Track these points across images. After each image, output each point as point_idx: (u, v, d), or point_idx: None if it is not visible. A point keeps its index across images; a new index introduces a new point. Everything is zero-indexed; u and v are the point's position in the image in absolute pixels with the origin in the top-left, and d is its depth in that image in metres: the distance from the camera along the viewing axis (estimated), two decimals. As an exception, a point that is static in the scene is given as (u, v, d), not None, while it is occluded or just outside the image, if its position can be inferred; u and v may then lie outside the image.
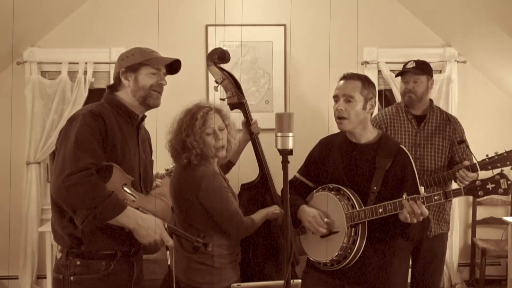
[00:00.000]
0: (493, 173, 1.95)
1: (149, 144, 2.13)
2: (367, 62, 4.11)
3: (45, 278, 3.87)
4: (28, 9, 3.48)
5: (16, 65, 3.93)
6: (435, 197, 1.95)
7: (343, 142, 2.25)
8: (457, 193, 1.95)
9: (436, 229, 2.87)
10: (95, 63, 3.97)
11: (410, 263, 2.87)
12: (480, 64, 4.16)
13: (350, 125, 2.16)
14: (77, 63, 3.94)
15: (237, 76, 3.82)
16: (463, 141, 2.77)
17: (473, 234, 4.22)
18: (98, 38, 4.00)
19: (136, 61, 1.91)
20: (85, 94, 3.94)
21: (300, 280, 1.78)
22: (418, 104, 2.91)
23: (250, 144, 2.66)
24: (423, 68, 2.90)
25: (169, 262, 1.88)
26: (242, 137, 2.67)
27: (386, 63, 4.08)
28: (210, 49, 2.75)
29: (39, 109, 3.92)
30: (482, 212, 4.24)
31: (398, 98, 3.81)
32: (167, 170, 2.67)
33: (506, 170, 2.59)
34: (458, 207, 4.16)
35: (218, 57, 2.62)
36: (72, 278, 1.79)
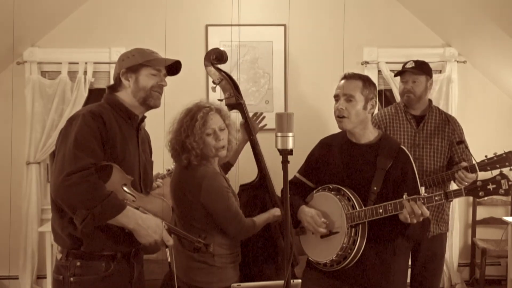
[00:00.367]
0: (492, 174, 1.95)
1: (149, 145, 2.13)
2: (367, 62, 4.11)
3: (45, 278, 3.87)
4: (28, 9, 3.48)
5: (16, 65, 3.93)
6: (436, 198, 1.95)
7: (343, 142, 2.25)
8: (458, 193, 1.95)
9: (435, 230, 2.87)
10: (95, 63, 3.97)
11: (410, 263, 2.88)
12: (480, 64, 4.16)
13: (350, 124, 2.16)
14: (77, 63, 3.94)
15: (237, 76, 3.84)
16: (462, 141, 2.77)
17: (473, 234, 4.22)
18: (98, 38, 4.00)
19: (136, 62, 1.92)
20: (85, 94, 3.94)
21: (300, 280, 1.78)
22: (417, 104, 2.91)
23: (248, 144, 2.66)
24: (422, 68, 2.90)
25: (169, 260, 1.88)
26: (241, 138, 2.66)
27: (386, 63, 4.08)
28: (209, 50, 2.75)
29: (39, 109, 3.93)
30: (482, 212, 4.24)
31: (398, 98, 3.80)
32: (168, 170, 2.67)
33: (505, 171, 2.60)
34: (458, 207, 4.16)
35: (216, 57, 2.62)
36: (72, 279, 1.79)
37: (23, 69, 3.93)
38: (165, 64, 1.97)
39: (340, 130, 2.28)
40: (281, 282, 1.51)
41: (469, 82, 4.20)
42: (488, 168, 2.63)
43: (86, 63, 3.95)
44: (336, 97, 2.21)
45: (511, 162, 2.61)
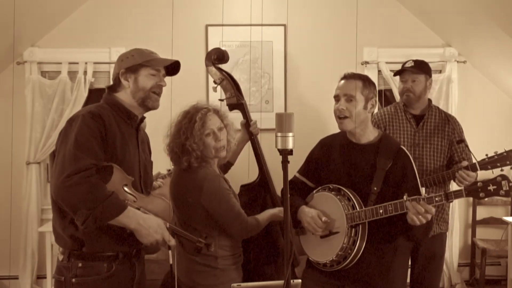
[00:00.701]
0: (493, 172, 1.95)
1: (148, 145, 2.13)
2: (367, 62, 4.11)
3: (45, 278, 3.87)
4: (28, 9, 3.48)
5: (16, 65, 3.93)
6: (436, 198, 1.94)
7: (343, 142, 2.25)
8: (458, 194, 1.94)
9: (435, 229, 2.87)
10: (95, 63, 3.97)
11: (410, 263, 2.87)
12: (480, 64, 4.16)
13: (351, 124, 2.16)
14: (77, 63, 3.94)
15: (237, 76, 3.85)
16: (462, 140, 2.77)
17: (473, 234, 4.22)
18: (98, 38, 4.00)
19: (136, 62, 1.91)
20: (85, 94, 3.94)
21: (300, 280, 1.78)
22: (416, 104, 2.91)
23: (249, 144, 2.66)
24: (421, 68, 2.90)
25: (171, 262, 1.88)
26: (241, 138, 2.66)
27: (386, 63, 4.08)
28: (210, 49, 2.74)
29: (39, 109, 3.93)
30: (482, 212, 4.24)
31: (398, 98, 3.81)
32: (169, 170, 2.67)
33: (506, 169, 2.60)
34: (458, 207, 4.16)
35: (217, 57, 2.61)
36: (73, 280, 1.79)
37: (23, 69, 3.93)
38: (164, 64, 1.97)
39: (339, 130, 2.28)
40: (281, 282, 1.51)
41: (469, 82, 4.20)
42: (489, 166, 2.63)
43: (86, 63, 3.95)
44: (336, 98, 2.20)
45: (511, 161, 2.61)
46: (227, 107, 2.66)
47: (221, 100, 2.70)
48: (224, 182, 2.24)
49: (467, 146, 2.79)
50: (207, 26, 4.04)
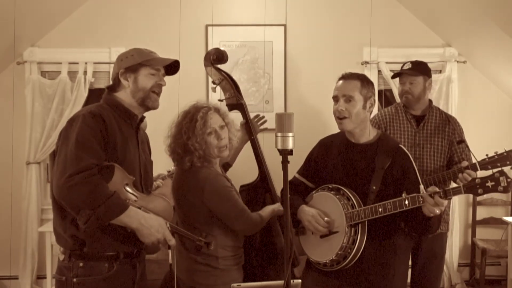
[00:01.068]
0: (492, 172, 1.95)
1: (148, 145, 2.13)
2: (367, 62, 4.11)
3: (45, 278, 3.87)
4: (28, 9, 3.48)
5: (16, 65, 3.93)
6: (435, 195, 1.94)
7: (342, 142, 2.25)
8: (456, 191, 1.94)
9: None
10: (95, 63, 3.97)
11: (410, 263, 2.88)
12: (480, 64, 4.16)
13: (351, 124, 2.16)
14: (77, 63, 3.94)
15: (237, 76, 3.85)
16: (462, 141, 2.77)
17: (473, 234, 4.22)
18: (98, 38, 4.00)
19: (135, 62, 1.91)
20: (85, 94, 3.94)
21: (300, 280, 1.78)
22: (416, 105, 2.92)
23: (248, 145, 2.66)
24: (418, 69, 2.91)
25: (170, 261, 1.88)
26: (240, 138, 2.65)
27: (386, 63, 4.08)
28: (209, 50, 2.74)
29: (39, 109, 3.93)
30: (482, 212, 4.24)
31: (398, 98, 3.82)
32: (169, 171, 2.67)
33: (506, 170, 2.60)
34: (458, 207, 4.16)
35: (216, 57, 2.59)
36: (74, 279, 1.79)
37: (23, 69, 3.93)
38: (164, 64, 1.97)
39: (339, 131, 2.28)
40: (281, 282, 1.51)
41: (469, 82, 4.20)
42: (489, 166, 2.63)
43: (86, 63, 3.95)
44: (335, 98, 2.20)
45: (511, 161, 2.61)
46: (226, 108, 2.66)
47: (220, 100, 2.70)
48: (226, 181, 2.24)
49: (467, 146, 2.79)
50: (207, 26, 4.04)
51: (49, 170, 4.06)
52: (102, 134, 1.77)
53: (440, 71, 4.20)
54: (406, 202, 1.96)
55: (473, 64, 4.19)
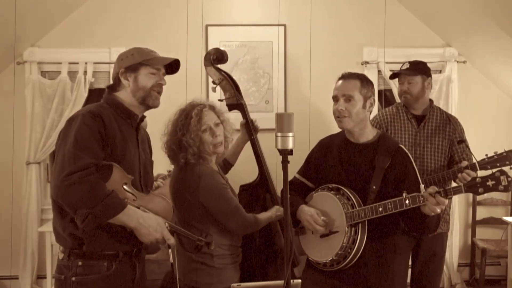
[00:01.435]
0: (492, 172, 1.95)
1: (149, 144, 2.13)
2: (367, 62, 4.11)
3: (45, 278, 3.87)
4: (28, 9, 3.48)
5: (16, 65, 3.93)
6: (435, 194, 1.94)
7: (342, 142, 2.25)
8: (457, 190, 1.95)
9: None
10: (95, 63, 3.97)
11: (410, 262, 2.88)
12: (480, 64, 4.16)
13: (350, 123, 2.16)
14: (77, 63, 3.94)
15: (237, 76, 3.85)
16: (462, 141, 2.78)
17: (473, 234, 4.22)
18: (98, 38, 4.00)
19: (135, 61, 1.92)
20: (85, 94, 3.94)
21: (300, 280, 1.78)
22: (416, 105, 2.92)
23: (249, 144, 2.66)
24: (416, 69, 2.91)
25: (171, 261, 1.88)
26: (240, 138, 2.66)
27: (386, 63, 4.08)
28: (209, 50, 2.74)
29: (39, 109, 3.93)
30: (482, 212, 4.24)
31: (398, 98, 3.82)
32: (169, 171, 2.67)
33: (506, 170, 2.60)
34: (458, 207, 4.16)
35: (216, 57, 2.60)
36: (74, 278, 1.79)
37: (23, 69, 3.93)
38: (164, 63, 1.97)
39: (339, 130, 2.29)
40: (281, 282, 1.51)
41: (469, 82, 4.20)
42: (489, 166, 2.64)
43: (86, 63, 3.95)
44: (335, 98, 2.21)
45: (511, 161, 2.62)
46: (226, 107, 2.67)
47: (220, 100, 2.70)
48: (221, 178, 2.25)
49: (467, 146, 2.79)
50: (207, 26, 4.04)
51: (49, 170, 4.06)
52: (101, 133, 1.77)
53: (440, 71, 4.20)
54: (407, 201, 1.96)
55: (473, 64, 4.19)
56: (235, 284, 1.72)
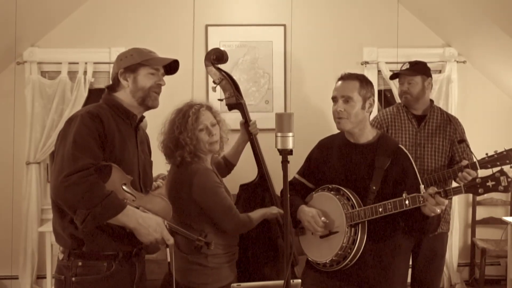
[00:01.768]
0: (492, 171, 1.95)
1: (148, 145, 2.13)
2: (367, 62, 4.11)
3: (45, 278, 3.87)
4: (28, 9, 3.48)
5: (16, 65, 3.93)
6: (435, 195, 1.94)
7: (342, 143, 2.25)
8: (457, 191, 1.94)
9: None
10: (95, 63, 3.97)
11: (410, 262, 2.88)
12: (480, 64, 4.17)
13: (349, 124, 2.16)
14: (77, 63, 3.94)
15: (237, 76, 3.85)
16: (463, 140, 2.78)
17: (473, 234, 4.22)
18: (98, 38, 4.00)
19: (135, 62, 1.92)
20: (85, 94, 3.94)
21: (300, 280, 1.78)
22: (416, 105, 2.93)
23: (249, 144, 2.66)
24: (416, 69, 2.91)
25: (168, 260, 1.88)
26: (241, 138, 2.67)
27: (386, 63, 4.08)
28: (209, 50, 2.75)
29: (39, 109, 3.93)
30: (482, 212, 4.24)
31: (398, 98, 3.82)
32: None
33: (506, 169, 2.60)
34: (458, 207, 4.16)
35: (216, 57, 2.62)
36: (73, 279, 1.79)
37: (23, 69, 3.93)
38: (163, 63, 1.97)
39: (339, 131, 2.28)
40: (281, 282, 1.51)
41: (469, 82, 4.20)
42: (489, 165, 2.64)
43: (86, 63, 3.95)
44: (334, 99, 2.21)
45: (511, 160, 2.62)
46: (226, 107, 2.67)
47: (220, 100, 2.71)
48: (215, 177, 2.27)
49: (468, 146, 2.80)
50: (207, 26, 4.04)
51: (49, 170, 4.06)
52: (100, 134, 1.77)
53: (440, 71, 4.20)
54: (407, 202, 1.96)
55: (472, 64, 4.20)
56: (235, 284, 1.72)
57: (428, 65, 3.02)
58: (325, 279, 2.17)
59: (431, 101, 2.99)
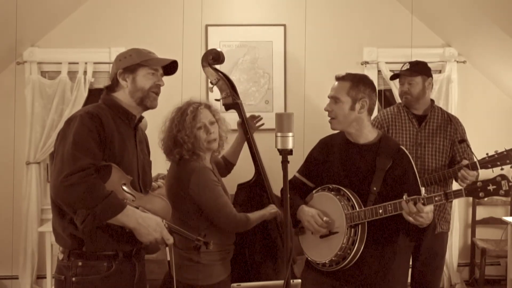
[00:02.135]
0: (493, 171, 1.95)
1: (147, 145, 2.13)
2: (367, 62, 4.11)
3: (45, 278, 3.87)
4: (28, 9, 3.48)
5: (16, 65, 3.93)
6: (436, 198, 1.94)
7: (342, 142, 2.25)
8: (458, 194, 1.94)
9: (437, 229, 2.88)
10: (95, 63, 3.97)
11: (410, 262, 2.88)
12: (480, 64, 4.17)
13: (338, 125, 2.18)
14: (77, 63, 3.94)
15: (237, 76, 3.85)
16: (463, 140, 2.78)
17: (473, 234, 4.22)
18: (98, 38, 4.00)
19: (134, 62, 1.92)
20: (85, 94, 3.94)
21: (299, 280, 1.78)
22: (416, 105, 2.93)
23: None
24: (416, 69, 2.91)
25: (168, 259, 1.88)
26: (239, 137, 2.69)
27: (386, 63, 4.08)
28: (206, 51, 2.77)
29: (39, 109, 3.93)
30: (482, 212, 4.24)
31: (398, 98, 3.82)
32: None
33: (506, 168, 2.61)
34: (458, 207, 4.16)
35: (213, 58, 2.66)
36: (74, 279, 1.80)
37: (23, 69, 3.93)
38: (162, 64, 1.97)
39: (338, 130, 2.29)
40: (281, 282, 1.51)
41: (469, 82, 4.20)
42: (489, 165, 2.65)
43: (86, 63, 3.96)
44: (329, 98, 2.23)
45: (511, 160, 2.62)
46: (223, 107, 2.70)
47: (217, 100, 2.73)
48: (212, 175, 2.28)
49: (468, 146, 2.80)
50: (207, 26, 4.04)
51: (49, 170, 4.06)
52: (99, 134, 1.78)
53: (440, 71, 4.20)
54: (403, 204, 1.95)
55: (473, 64, 4.19)
56: (235, 284, 1.72)
57: (428, 65, 3.02)
58: (324, 279, 2.17)
59: (432, 101, 2.99)
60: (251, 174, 2.64)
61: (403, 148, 2.20)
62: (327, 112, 2.21)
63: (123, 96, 1.94)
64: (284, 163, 1.52)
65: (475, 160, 2.66)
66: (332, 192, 2.15)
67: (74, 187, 1.64)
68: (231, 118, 2.73)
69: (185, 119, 2.26)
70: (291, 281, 1.53)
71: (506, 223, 3.79)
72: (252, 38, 4.07)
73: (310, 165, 2.34)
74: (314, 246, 2.19)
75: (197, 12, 4.03)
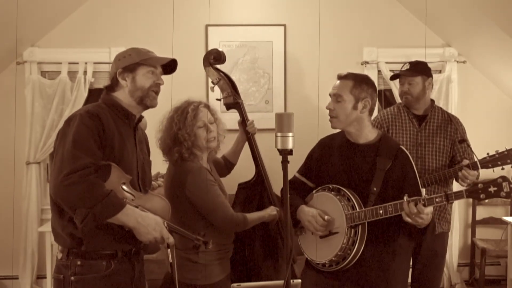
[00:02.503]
0: (493, 171, 1.94)
1: (146, 144, 2.13)
2: (367, 62, 4.11)
3: (45, 278, 3.87)
4: (28, 9, 3.48)
5: (16, 65, 3.93)
6: (437, 199, 1.93)
7: (342, 142, 2.25)
8: (458, 195, 1.94)
9: (437, 228, 2.88)
10: (95, 63, 3.97)
11: (411, 262, 2.87)
12: (480, 64, 4.17)
13: (340, 124, 2.18)
14: (77, 63, 3.94)
15: (237, 76, 3.85)
16: (464, 140, 2.78)
17: (473, 234, 4.22)
18: (98, 38, 4.00)
19: (133, 61, 1.92)
20: (85, 94, 3.94)
21: (300, 280, 1.78)
22: (417, 105, 2.93)
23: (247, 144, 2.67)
24: (416, 69, 2.91)
25: (170, 260, 1.88)
26: (240, 137, 2.70)
27: (386, 63, 4.08)
28: (208, 50, 2.77)
29: (39, 109, 3.93)
30: (482, 212, 4.24)
31: (398, 98, 3.82)
32: None
33: (507, 168, 2.61)
34: (458, 207, 4.16)
35: (214, 58, 2.67)
36: (73, 278, 1.79)
37: (23, 69, 3.93)
38: (162, 63, 1.97)
39: (339, 130, 2.28)
40: (281, 282, 1.51)
41: (469, 82, 4.20)
42: (490, 165, 2.65)
43: (86, 63, 3.95)
44: (330, 97, 2.22)
45: None
46: (224, 107, 2.70)
47: (218, 99, 2.74)
48: (208, 174, 2.29)
49: (469, 145, 2.80)
50: (207, 26, 4.04)
51: (49, 170, 4.06)
52: (99, 133, 1.78)
53: (440, 71, 4.20)
54: (404, 204, 1.95)
55: (473, 64, 4.19)
56: (235, 284, 1.72)
57: (428, 65, 3.02)
58: (324, 279, 2.16)
59: (432, 101, 2.99)
60: (251, 174, 2.64)
61: (403, 148, 2.19)
62: (327, 112, 2.21)
63: (123, 95, 1.94)
64: (284, 163, 1.52)
65: (476, 159, 2.65)
66: (332, 192, 2.15)
67: (74, 186, 1.64)
68: (231, 118, 2.73)
69: (186, 118, 2.27)
70: (291, 281, 1.53)
71: (506, 223, 3.79)
72: (252, 38, 4.07)
73: (310, 165, 2.34)
74: (314, 246, 2.19)
75: (197, 12, 4.03)
